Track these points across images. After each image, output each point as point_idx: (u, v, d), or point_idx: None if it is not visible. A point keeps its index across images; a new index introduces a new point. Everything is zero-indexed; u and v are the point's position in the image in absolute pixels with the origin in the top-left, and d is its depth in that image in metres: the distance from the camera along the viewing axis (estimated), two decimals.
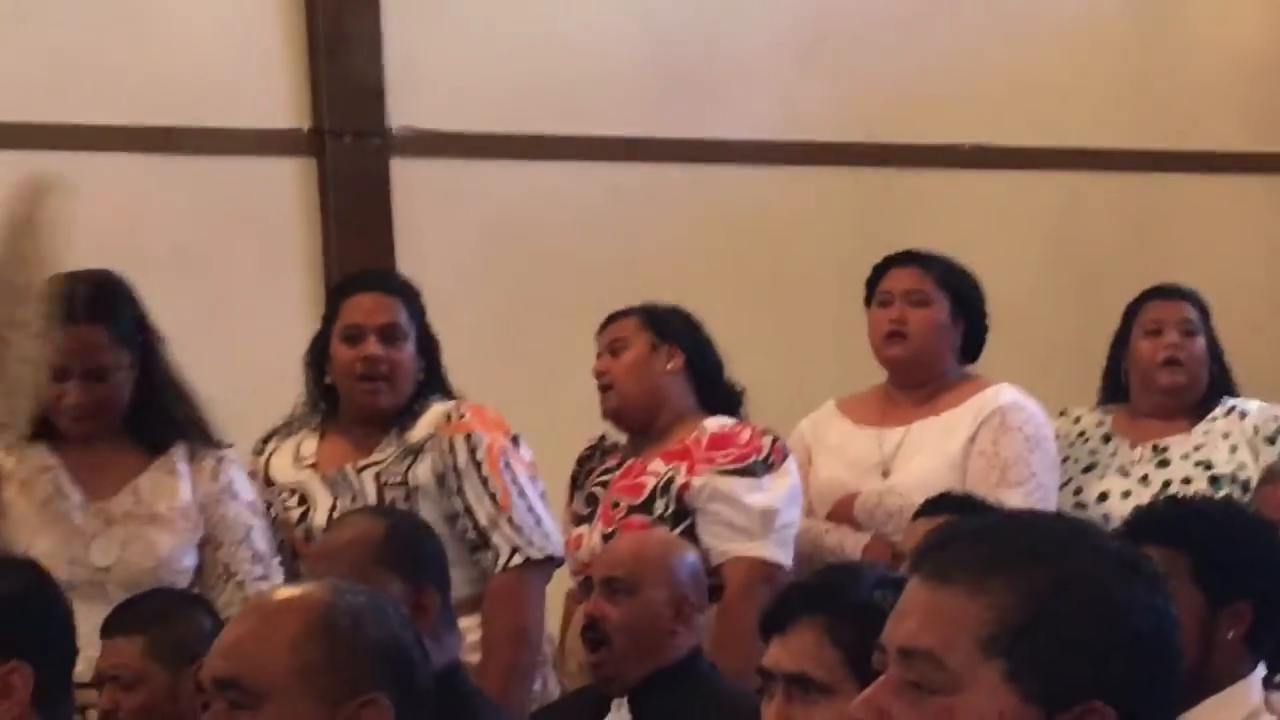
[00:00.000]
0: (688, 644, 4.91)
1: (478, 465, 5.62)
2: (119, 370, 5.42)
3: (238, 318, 6.64)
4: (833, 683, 3.44)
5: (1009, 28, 8.69)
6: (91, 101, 7.41)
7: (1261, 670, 3.82)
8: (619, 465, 5.92)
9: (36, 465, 5.41)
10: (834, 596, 3.59)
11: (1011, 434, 5.88)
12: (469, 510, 5.57)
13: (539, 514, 5.70)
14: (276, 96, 7.66)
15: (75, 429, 5.46)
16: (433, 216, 7.59)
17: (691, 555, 5.22)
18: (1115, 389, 6.28)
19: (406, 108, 7.75)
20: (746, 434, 5.71)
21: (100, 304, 5.39)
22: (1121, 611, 2.27)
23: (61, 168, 6.06)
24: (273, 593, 3.56)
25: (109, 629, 4.82)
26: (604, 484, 5.92)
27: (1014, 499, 5.68)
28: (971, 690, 2.24)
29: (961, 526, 2.51)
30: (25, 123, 7.23)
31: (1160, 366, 6.13)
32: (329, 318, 5.87)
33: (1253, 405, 6.25)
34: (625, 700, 4.90)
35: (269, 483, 5.81)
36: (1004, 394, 5.98)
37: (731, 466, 5.65)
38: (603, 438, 6.17)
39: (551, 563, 5.68)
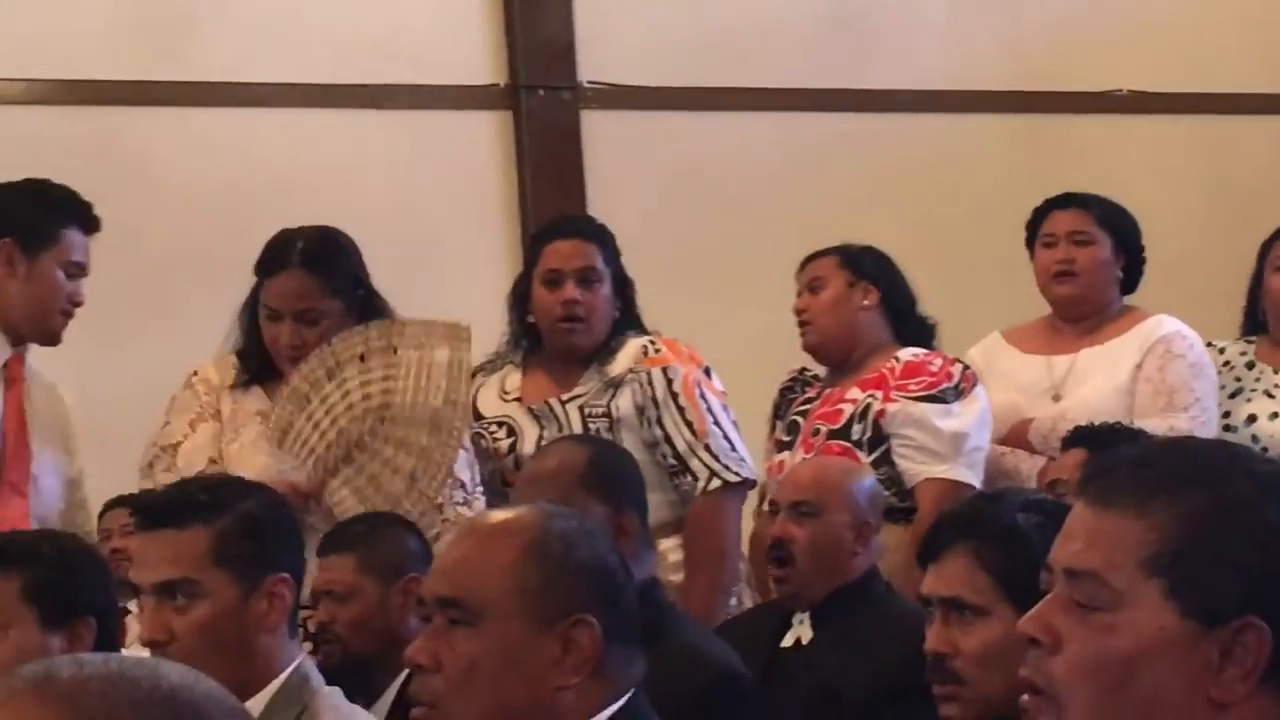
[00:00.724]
0: (865, 564, 4.89)
1: (674, 396, 5.61)
2: (329, 317, 5.48)
3: (445, 260, 6.71)
4: (985, 604, 3.46)
5: None
6: (310, 61, 7.52)
7: None
8: (818, 395, 5.85)
9: (251, 409, 5.52)
10: (980, 524, 3.59)
11: (1176, 361, 5.74)
12: (668, 438, 5.58)
13: (733, 440, 5.67)
14: (475, 55, 7.74)
15: (290, 369, 5.53)
16: (621, 165, 7.63)
17: (870, 480, 5.18)
18: (1254, 323, 6.11)
19: (595, 63, 7.79)
20: (938, 363, 5.66)
21: (316, 256, 5.49)
22: (1276, 533, 2.23)
23: (280, 123, 6.22)
24: (489, 516, 3.54)
25: (325, 549, 4.95)
26: (804, 412, 5.85)
27: (1181, 423, 5.59)
28: (1133, 607, 2.22)
29: (1123, 454, 2.48)
30: (247, 82, 7.35)
31: None
32: (530, 262, 5.88)
33: None
34: (807, 615, 4.87)
35: (477, 416, 5.77)
36: (1166, 324, 5.86)
37: (924, 393, 5.61)
38: (802, 370, 6.08)
39: (746, 485, 5.67)
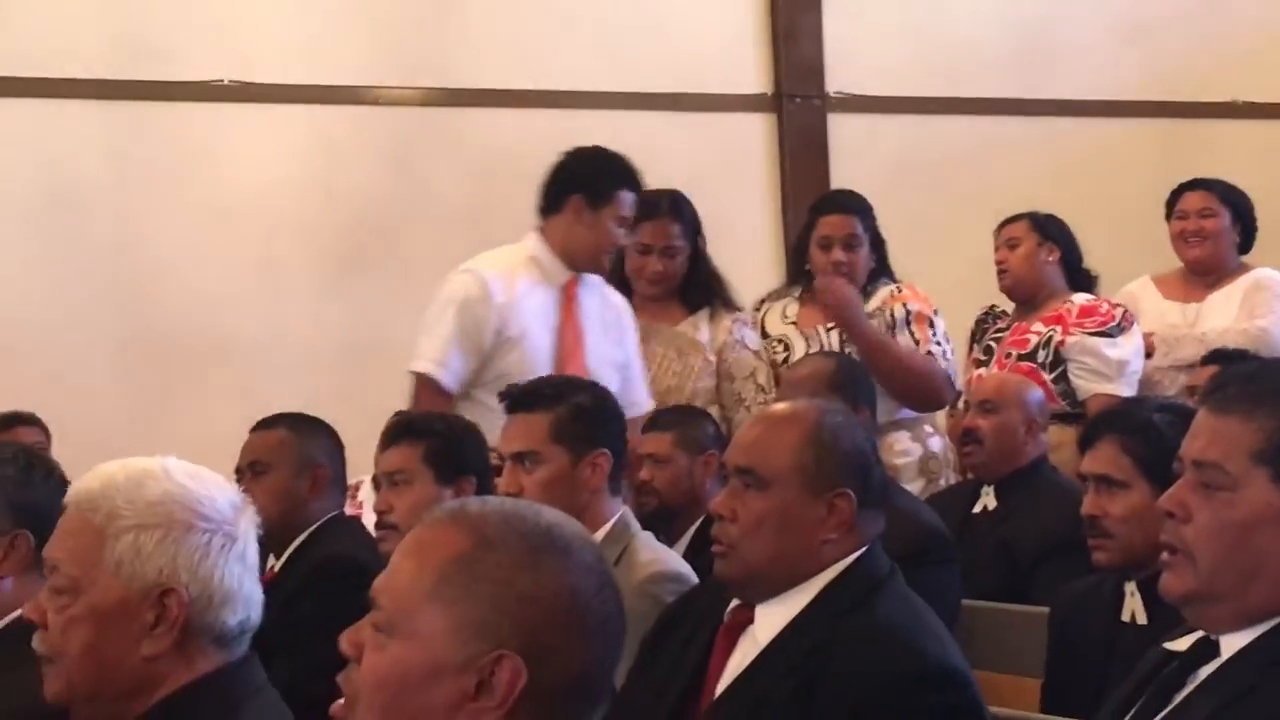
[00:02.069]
0: (1035, 452, 4.90)
1: (909, 323, 5.55)
2: (681, 253, 5.52)
3: (727, 227, 6.37)
4: (1127, 479, 3.51)
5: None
6: (630, 72, 7.43)
7: None
8: (1008, 326, 5.81)
9: None
10: (1125, 420, 3.65)
11: (1263, 291, 5.79)
12: None
13: (949, 359, 5.65)
14: (750, 70, 7.61)
15: (650, 291, 5.55)
16: (858, 159, 7.45)
17: (1038, 392, 5.19)
18: None
19: (839, 78, 7.66)
20: (1105, 306, 5.65)
21: (675, 208, 5.53)
22: None
23: (605, 123, 6.23)
24: (778, 408, 3.44)
25: (650, 428, 4.98)
26: (997, 339, 5.81)
27: (1258, 324, 5.70)
28: (1246, 488, 2.23)
29: (1236, 371, 2.51)
30: (563, 90, 7.21)
31: None
32: (808, 226, 5.81)
33: None
34: (992, 488, 4.90)
35: (764, 333, 5.71)
36: (1259, 271, 5.92)
37: (1096, 329, 5.57)
38: (992, 306, 6.03)
39: (953, 390, 5.68)
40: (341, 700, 1.99)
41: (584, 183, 5.24)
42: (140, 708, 2.36)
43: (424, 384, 5.10)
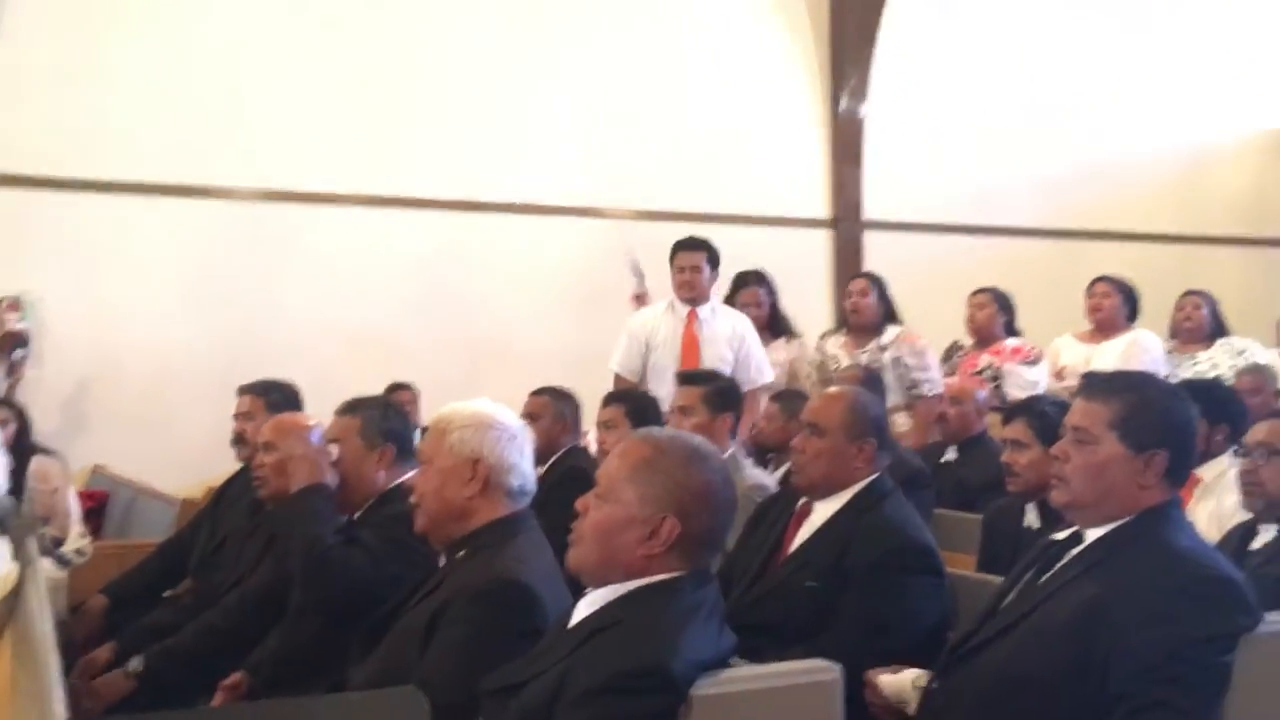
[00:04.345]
0: (981, 427, 4.68)
1: (913, 354, 5.35)
2: (764, 306, 5.45)
3: (798, 294, 6.13)
4: (1029, 442, 3.42)
5: None
6: (724, 197, 7.12)
7: None
8: (964, 355, 5.56)
9: None
10: (1030, 408, 3.55)
11: (1135, 345, 5.42)
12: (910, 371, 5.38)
13: (935, 376, 5.33)
14: (815, 200, 7.55)
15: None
16: (882, 260, 7.06)
17: (983, 392, 4.87)
18: None
19: (874, 208, 7.62)
20: (1027, 346, 5.41)
21: (760, 281, 5.47)
22: (1168, 411, 2.22)
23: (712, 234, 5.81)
24: (832, 389, 3.23)
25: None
26: (959, 361, 5.50)
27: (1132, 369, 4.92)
28: (1102, 443, 2.19)
29: (1100, 375, 2.46)
30: (694, 211, 6.83)
31: None
32: (846, 293, 5.62)
33: None
34: (955, 447, 4.73)
35: (824, 352, 5.42)
36: (1139, 332, 5.50)
37: (1020, 360, 5.32)
38: (955, 341, 5.67)
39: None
40: None
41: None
42: (462, 531, 2.40)
43: (618, 377, 5.18)
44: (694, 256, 5.18)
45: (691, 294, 5.15)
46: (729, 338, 5.14)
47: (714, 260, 5.18)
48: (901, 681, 2.36)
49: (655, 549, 1.96)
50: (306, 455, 3.01)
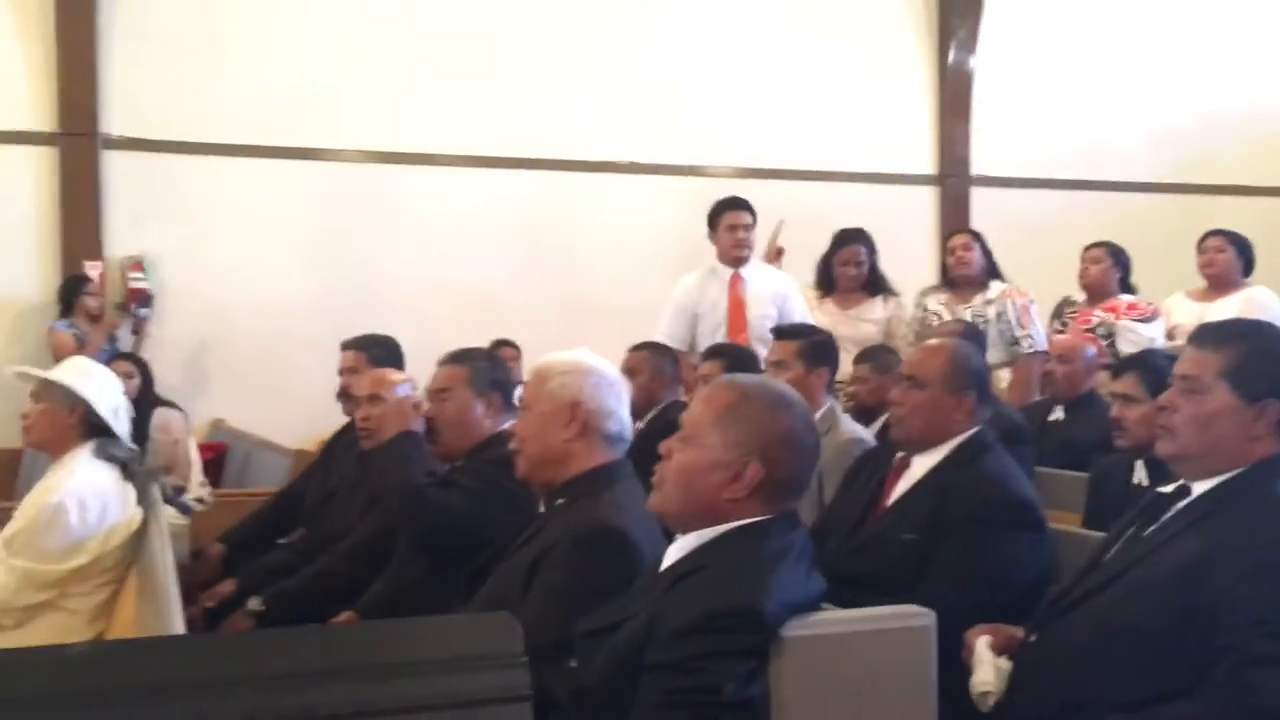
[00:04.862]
0: (1091, 384, 4.49)
1: (1016, 309, 5.21)
2: (865, 264, 5.28)
3: (900, 253, 5.99)
4: (1139, 397, 3.37)
5: None
6: (834, 154, 7.16)
7: None
8: (1076, 312, 5.30)
9: None
10: (1141, 362, 3.51)
11: (1252, 302, 5.19)
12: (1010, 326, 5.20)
13: (1039, 332, 5.22)
14: (923, 155, 7.48)
15: (847, 286, 5.25)
16: (986, 216, 7.08)
17: (1092, 348, 4.62)
18: None
19: (982, 163, 7.46)
20: (1143, 304, 5.21)
21: (861, 239, 5.29)
22: None
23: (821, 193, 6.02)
24: (932, 342, 3.25)
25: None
26: (1072, 317, 5.26)
27: None
28: (1212, 393, 2.14)
29: (1212, 323, 2.34)
30: (808, 169, 7.02)
31: None
32: (946, 248, 5.47)
33: None
34: (1061, 406, 4.52)
35: (925, 309, 5.28)
36: (1255, 288, 5.29)
37: (1136, 317, 5.10)
38: (1067, 297, 5.45)
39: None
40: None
41: (709, 219, 5.18)
42: (561, 478, 2.41)
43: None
44: (744, 215, 5.15)
45: (745, 252, 5.13)
46: (772, 296, 5.12)
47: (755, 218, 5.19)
48: (989, 667, 2.25)
49: (738, 493, 1.97)
50: (394, 406, 3.10)
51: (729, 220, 5.13)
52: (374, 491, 3.23)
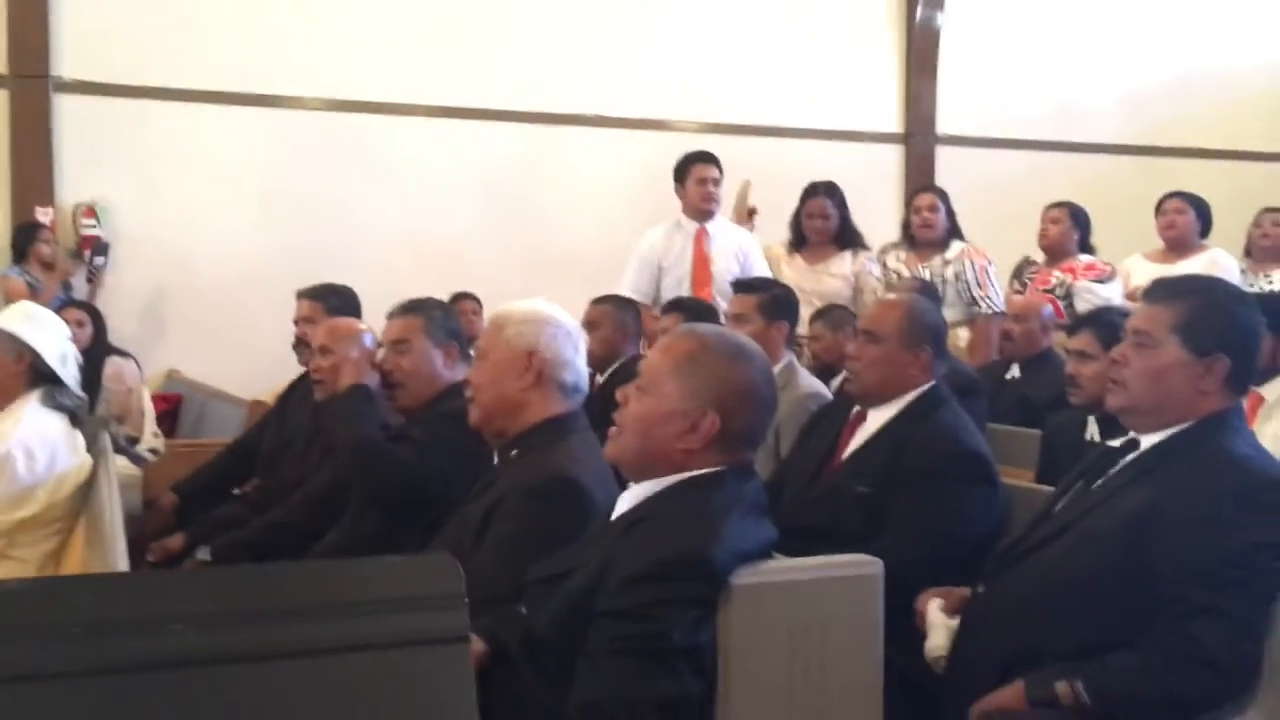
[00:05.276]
0: (1047, 343, 4.53)
1: (975, 270, 5.19)
2: (832, 218, 5.18)
3: (864, 210, 5.75)
4: (1094, 354, 3.37)
5: None
6: (801, 112, 7.16)
7: None
8: (1035, 272, 5.29)
9: None
10: (1096, 319, 3.52)
11: (1214, 265, 5.16)
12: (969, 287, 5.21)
13: (997, 291, 5.21)
14: (889, 113, 7.39)
15: (816, 239, 5.15)
16: (951, 175, 7.07)
17: (1049, 308, 4.65)
18: None
19: (948, 122, 7.51)
20: (1100, 264, 5.19)
21: (829, 191, 5.19)
22: (1233, 315, 2.17)
23: (793, 149, 5.94)
24: (890, 296, 3.29)
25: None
26: (1031, 278, 5.26)
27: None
28: (1163, 346, 2.16)
29: (1165, 279, 2.36)
30: (778, 126, 7.04)
31: None
32: (908, 206, 5.45)
33: None
34: (1017, 364, 4.55)
35: (884, 266, 5.27)
36: (1214, 251, 5.30)
37: (1094, 278, 5.09)
38: (1026, 257, 5.40)
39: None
40: None
41: (675, 172, 5.15)
42: (515, 429, 2.40)
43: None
44: (713, 169, 5.13)
45: (712, 206, 5.12)
46: (735, 252, 5.11)
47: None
48: (942, 629, 2.29)
49: (694, 443, 1.96)
50: (349, 359, 3.08)
51: (698, 174, 5.10)
52: (328, 445, 3.20)
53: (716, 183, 5.13)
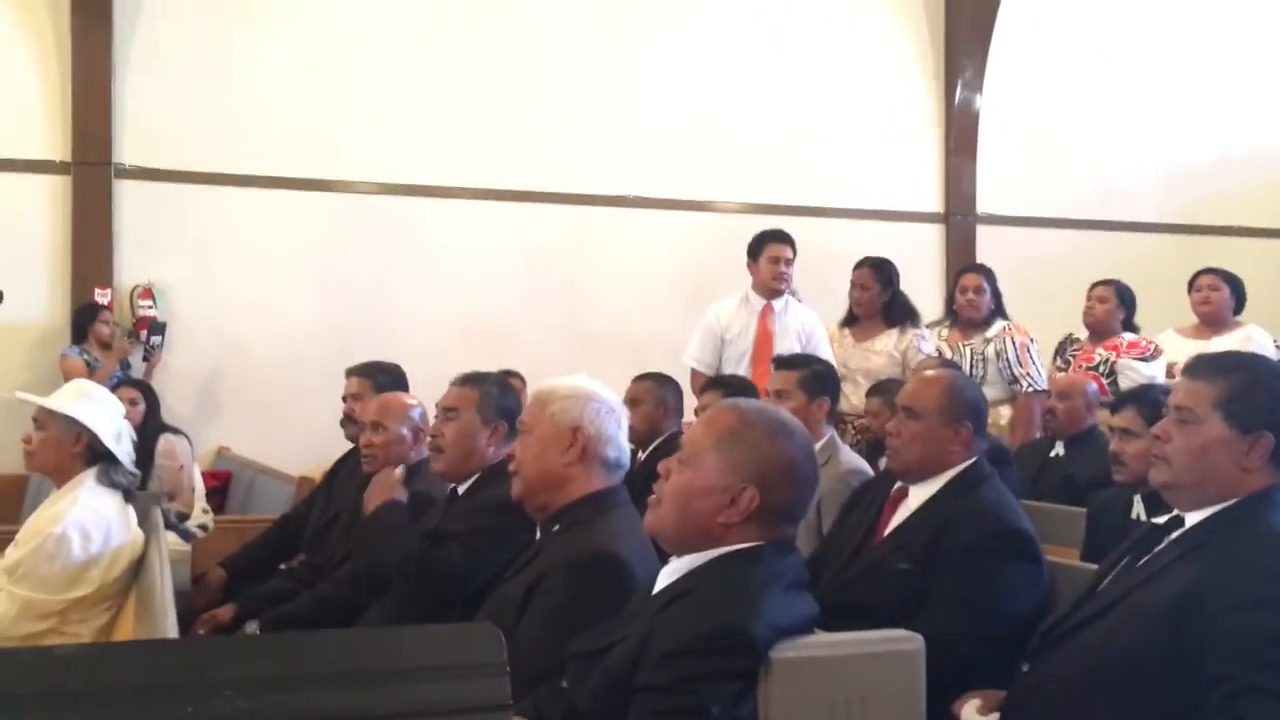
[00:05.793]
0: (1092, 421, 4.52)
1: (1015, 349, 5.18)
2: (874, 291, 5.22)
3: (912, 288, 5.66)
4: (1139, 431, 3.35)
5: None
6: (846, 193, 7.24)
7: None
8: (1079, 349, 5.34)
9: None
10: (1140, 397, 3.52)
11: (1249, 342, 5.17)
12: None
13: (1039, 369, 5.20)
14: (930, 193, 7.55)
15: (860, 313, 5.22)
16: (991, 251, 7.14)
17: (1093, 385, 4.61)
18: None
19: (988, 202, 7.49)
20: (1144, 342, 5.18)
21: (873, 266, 5.26)
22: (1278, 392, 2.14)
23: (838, 231, 5.97)
24: (929, 372, 3.19)
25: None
26: (1074, 355, 5.29)
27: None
28: (1206, 423, 2.14)
29: (1207, 355, 2.33)
30: (813, 206, 7.10)
31: None
32: (955, 284, 5.45)
33: None
34: (1061, 442, 4.53)
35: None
36: (1250, 327, 5.35)
37: (1137, 356, 5.11)
38: (1070, 334, 5.45)
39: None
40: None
41: (750, 248, 5.20)
42: (558, 503, 2.41)
43: (693, 371, 5.19)
44: (787, 249, 5.18)
45: (783, 284, 5.15)
46: (799, 331, 5.13)
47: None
48: None
49: (733, 517, 1.96)
50: (379, 483, 3.11)
51: (771, 252, 5.15)
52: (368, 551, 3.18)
53: (789, 262, 5.18)
